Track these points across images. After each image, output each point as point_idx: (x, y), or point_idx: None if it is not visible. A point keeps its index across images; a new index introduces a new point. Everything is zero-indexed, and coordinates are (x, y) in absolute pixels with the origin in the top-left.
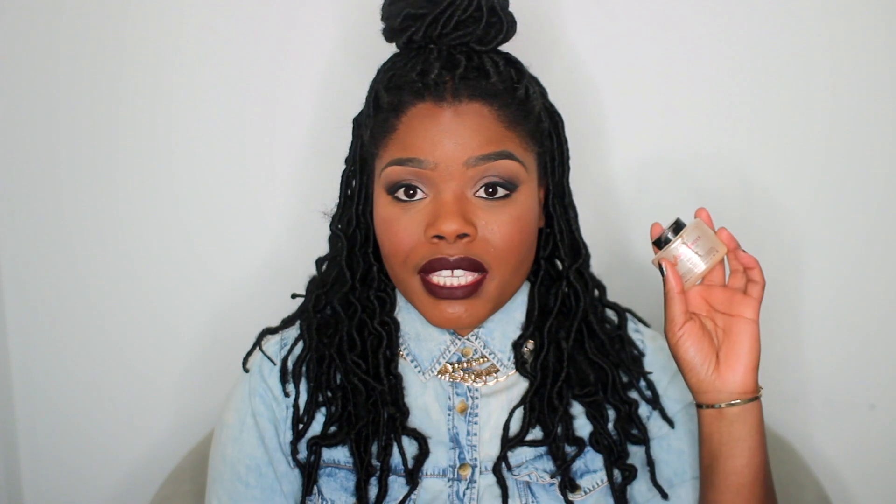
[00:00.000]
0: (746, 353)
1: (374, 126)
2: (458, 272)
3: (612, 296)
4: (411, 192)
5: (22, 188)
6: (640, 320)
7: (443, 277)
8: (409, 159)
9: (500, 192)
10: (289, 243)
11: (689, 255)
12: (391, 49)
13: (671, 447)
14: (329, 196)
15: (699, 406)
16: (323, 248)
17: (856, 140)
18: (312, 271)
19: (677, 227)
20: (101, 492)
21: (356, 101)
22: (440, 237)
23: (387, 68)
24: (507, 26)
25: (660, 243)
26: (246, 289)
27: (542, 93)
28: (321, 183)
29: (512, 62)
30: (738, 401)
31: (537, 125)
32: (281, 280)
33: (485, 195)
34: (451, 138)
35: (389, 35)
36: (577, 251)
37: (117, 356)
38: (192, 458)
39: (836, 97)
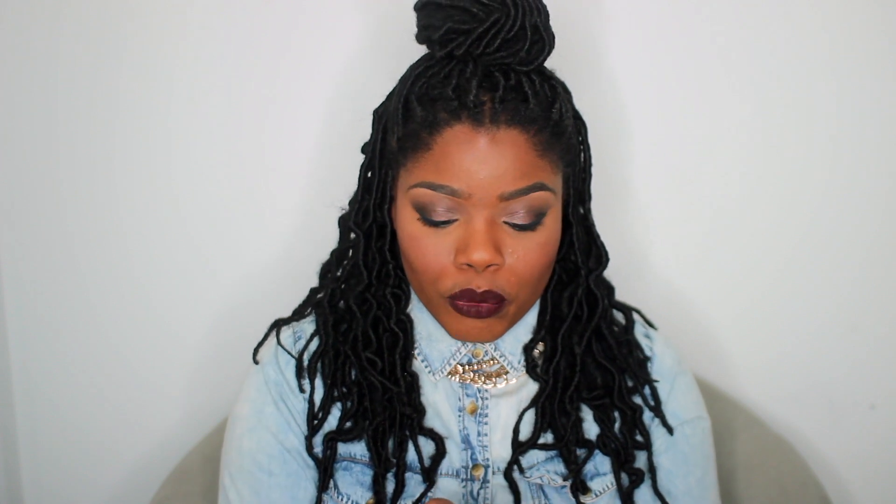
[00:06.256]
0: None
1: (404, 136)
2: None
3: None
4: (441, 216)
5: (22, 188)
6: (647, 321)
7: (467, 303)
8: (443, 186)
9: (530, 222)
10: (295, 240)
11: None
12: (405, 42)
13: (661, 465)
14: (337, 192)
15: None
16: (330, 244)
17: (861, 146)
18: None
19: None
20: (101, 492)
21: (368, 95)
22: (469, 265)
23: (418, 74)
24: (548, 46)
25: None
26: (249, 288)
27: (570, 99)
28: (330, 179)
29: (546, 78)
30: None
31: (568, 143)
32: (286, 279)
33: (515, 223)
34: (488, 169)
35: (425, 43)
36: (599, 257)
37: (117, 356)
38: (193, 458)
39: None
